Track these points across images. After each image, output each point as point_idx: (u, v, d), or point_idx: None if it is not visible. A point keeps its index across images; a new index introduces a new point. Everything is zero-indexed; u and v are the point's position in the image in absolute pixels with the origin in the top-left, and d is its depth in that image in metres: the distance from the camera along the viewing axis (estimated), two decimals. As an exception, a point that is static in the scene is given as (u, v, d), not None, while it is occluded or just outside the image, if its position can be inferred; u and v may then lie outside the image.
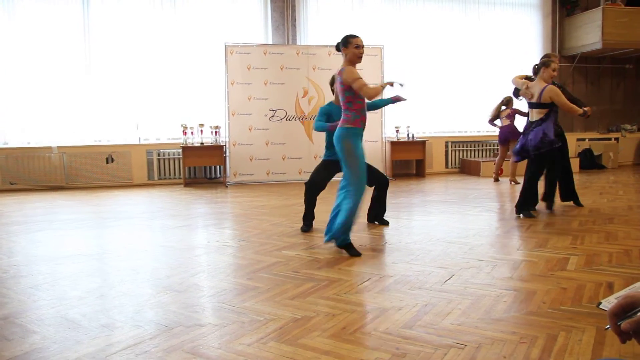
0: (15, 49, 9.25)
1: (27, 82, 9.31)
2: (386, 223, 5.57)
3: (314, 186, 5.27)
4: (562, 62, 12.00)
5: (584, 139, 12.05)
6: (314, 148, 9.54)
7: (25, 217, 6.43)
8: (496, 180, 9.44)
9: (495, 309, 2.96)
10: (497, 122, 9.39)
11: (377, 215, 5.61)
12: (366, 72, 9.88)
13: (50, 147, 9.32)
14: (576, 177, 9.78)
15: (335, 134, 4.32)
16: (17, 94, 9.30)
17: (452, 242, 4.64)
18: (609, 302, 1.06)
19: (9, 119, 9.33)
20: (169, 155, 9.92)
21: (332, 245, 4.49)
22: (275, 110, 9.61)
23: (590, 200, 7.03)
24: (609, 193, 7.71)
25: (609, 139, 12.20)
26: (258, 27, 10.19)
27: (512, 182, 8.97)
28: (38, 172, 9.27)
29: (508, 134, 9.14)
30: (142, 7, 9.61)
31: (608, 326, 1.05)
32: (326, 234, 4.48)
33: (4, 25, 9.17)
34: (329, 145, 5.24)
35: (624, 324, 1.00)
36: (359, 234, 5.04)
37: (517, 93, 6.48)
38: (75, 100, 9.48)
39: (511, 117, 9.21)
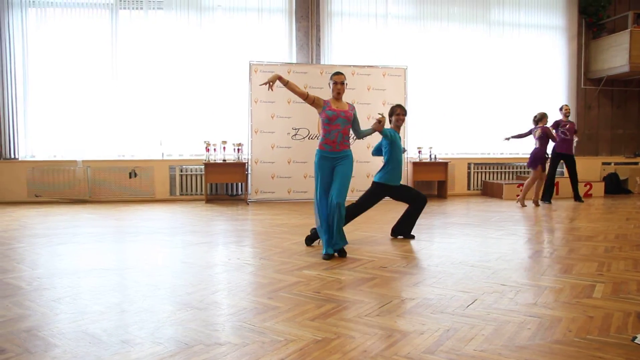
0: (45, 65, 9.51)
1: (55, 96, 9.55)
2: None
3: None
4: (587, 85, 11.90)
5: (609, 163, 11.86)
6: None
7: (49, 229, 6.52)
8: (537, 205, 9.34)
9: (519, 335, 2.90)
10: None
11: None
12: (389, 92, 9.95)
13: (75, 161, 9.48)
14: (601, 202, 9.67)
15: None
16: (44, 109, 9.55)
17: (475, 266, 4.57)
18: (644, 337, 1.02)
19: (36, 133, 9.56)
20: (191, 172, 10.01)
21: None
22: (298, 129, 9.65)
23: (616, 225, 6.89)
24: (635, 219, 7.54)
25: (636, 163, 11.97)
26: (283, 46, 10.29)
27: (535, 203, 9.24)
28: (62, 185, 9.43)
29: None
30: (169, 24, 9.79)
31: None
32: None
33: (35, 42, 9.44)
34: None
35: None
36: (379, 255, 5.00)
37: None
38: (101, 115, 9.68)
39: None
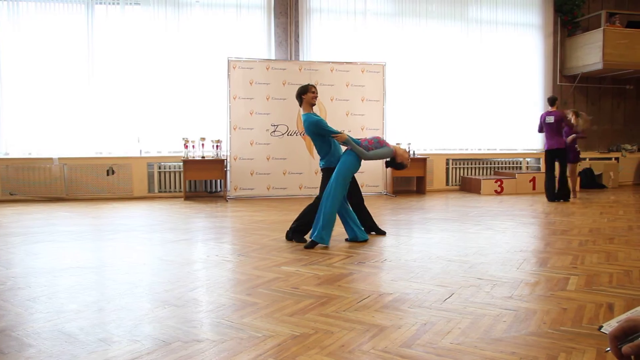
0: (18, 61, 9.33)
1: (29, 93, 9.37)
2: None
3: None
4: (563, 82, 12.08)
5: (584, 159, 12.04)
6: (315, 163, 9.54)
7: (24, 228, 6.42)
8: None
9: (495, 328, 2.94)
10: None
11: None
12: (368, 88, 9.99)
13: (51, 158, 9.34)
14: (576, 196, 9.81)
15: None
16: (19, 105, 9.37)
17: (452, 260, 4.62)
18: (610, 326, 1.05)
19: (10, 129, 9.38)
20: (169, 169, 9.93)
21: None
22: (277, 125, 9.64)
23: (590, 220, 7.02)
24: (609, 213, 7.70)
25: (610, 158, 12.21)
26: (261, 43, 10.25)
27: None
28: (38, 183, 9.28)
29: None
30: (146, 20, 9.69)
31: (608, 349, 1.04)
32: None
33: (8, 37, 9.26)
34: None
35: (625, 347, 0.99)
36: (358, 251, 5.03)
37: None
38: (77, 112, 9.53)
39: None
